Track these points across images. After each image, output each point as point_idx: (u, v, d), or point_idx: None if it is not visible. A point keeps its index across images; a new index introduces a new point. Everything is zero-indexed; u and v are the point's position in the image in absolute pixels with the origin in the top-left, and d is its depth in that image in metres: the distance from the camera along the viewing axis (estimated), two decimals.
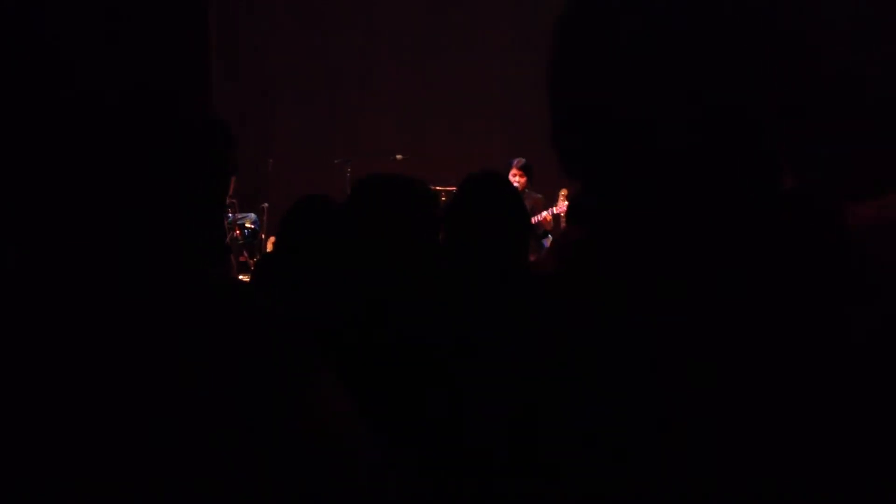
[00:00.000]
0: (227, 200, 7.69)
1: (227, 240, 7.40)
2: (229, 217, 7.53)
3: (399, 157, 8.13)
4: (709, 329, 0.72)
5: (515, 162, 6.60)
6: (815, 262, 0.73)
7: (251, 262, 7.34)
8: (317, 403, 1.00)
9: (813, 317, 0.71)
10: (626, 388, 0.74)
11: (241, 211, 7.94)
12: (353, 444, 1.01)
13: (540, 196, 6.65)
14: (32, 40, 0.94)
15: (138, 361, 0.90)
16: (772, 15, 0.77)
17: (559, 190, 6.67)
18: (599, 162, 0.79)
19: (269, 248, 7.74)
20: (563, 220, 6.08)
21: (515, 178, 6.53)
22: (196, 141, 0.99)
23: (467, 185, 2.02)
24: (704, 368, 0.71)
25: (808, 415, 0.69)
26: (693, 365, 0.72)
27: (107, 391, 0.89)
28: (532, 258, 3.65)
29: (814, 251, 0.74)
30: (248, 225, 7.85)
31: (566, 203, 6.32)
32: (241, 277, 6.37)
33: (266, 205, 8.21)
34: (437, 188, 6.72)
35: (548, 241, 6.26)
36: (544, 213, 6.38)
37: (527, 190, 6.60)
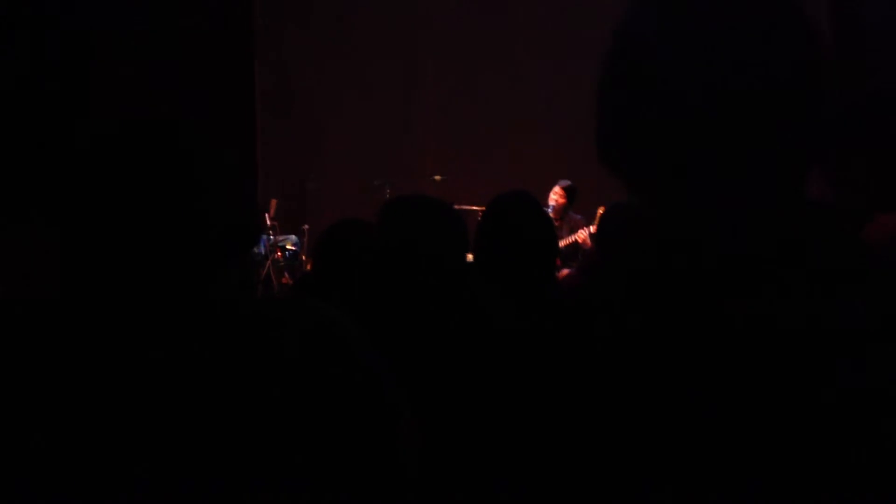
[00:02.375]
0: (269, 223, 7.80)
1: (269, 262, 7.49)
2: (270, 239, 7.62)
3: (437, 177, 8.18)
4: (739, 338, 0.73)
5: (561, 182, 6.62)
6: (840, 272, 0.74)
7: (292, 283, 7.42)
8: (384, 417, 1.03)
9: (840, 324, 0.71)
10: (661, 401, 0.75)
11: (283, 233, 8.03)
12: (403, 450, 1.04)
13: (580, 217, 6.65)
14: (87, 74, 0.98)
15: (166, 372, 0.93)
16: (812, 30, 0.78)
17: (598, 209, 6.66)
18: (643, 167, 0.80)
19: (310, 268, 7.81)
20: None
21: (555, 198, 6.54)
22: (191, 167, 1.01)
23: (495, 205, 2.04)
24: (735, 377, 0.72)
25: (831, 424, 0.69)
26: (727, 375, 0.72)
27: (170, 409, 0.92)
28: (564, 273, 3.64)
29: (839, 260, 0.74)
30: (289, 247, 7.94)
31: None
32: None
33: (307, 226, 8.30)
34: (476, 208, 6.75)
35: None
36: (581, 234, 6.37)
37: (568, 211, 6.61)
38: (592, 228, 6.38)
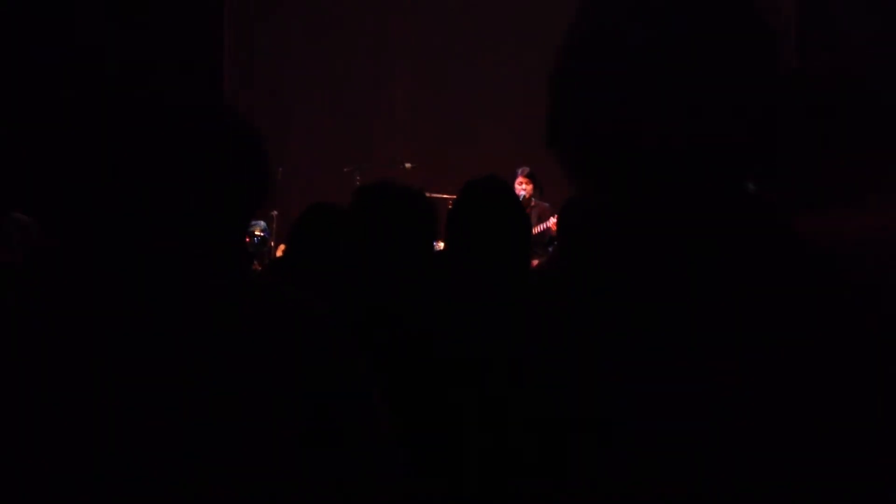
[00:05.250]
0: None
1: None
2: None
3: (408, 165, 8.16)
4: (687, 327, 0.75)
5: (521, 170, 6.63)
6: (778, 271, 0.76)
7: (260, 268, 7.36)
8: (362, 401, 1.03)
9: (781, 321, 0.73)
10: (624, 384, 0.76)
11: (252, 218, 7.94)
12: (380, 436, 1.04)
13: (547, 205, 6.67)
14: (66, 55, 0.98)
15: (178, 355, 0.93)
16: (760, 25, 0.80)
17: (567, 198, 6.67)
18: (596, 163, 0.81)
19: (279, 255, 7.76)
20: None
21: (522, 186, 6.55)
22: (224, 146, 1.02)
23: (467, 192, 2.04)
24: (681, 362, 0.74)
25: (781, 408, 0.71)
26: (675, 360, 0.74)
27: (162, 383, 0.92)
28: (535, 263, 3.66)
29: (776, 260, 0.76)
30: (257, 232, 7.87)
31: None
32: None
33: (275, 212, 8.24)
34: (445, 196, 6.75)
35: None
36: (551, 221, 6.40)
37: (533, 198, 6.62)
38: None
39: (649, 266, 0.79)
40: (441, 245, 2.19)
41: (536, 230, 6.34)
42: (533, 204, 6.60)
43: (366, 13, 9.75)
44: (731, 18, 0.78)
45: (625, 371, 0.76)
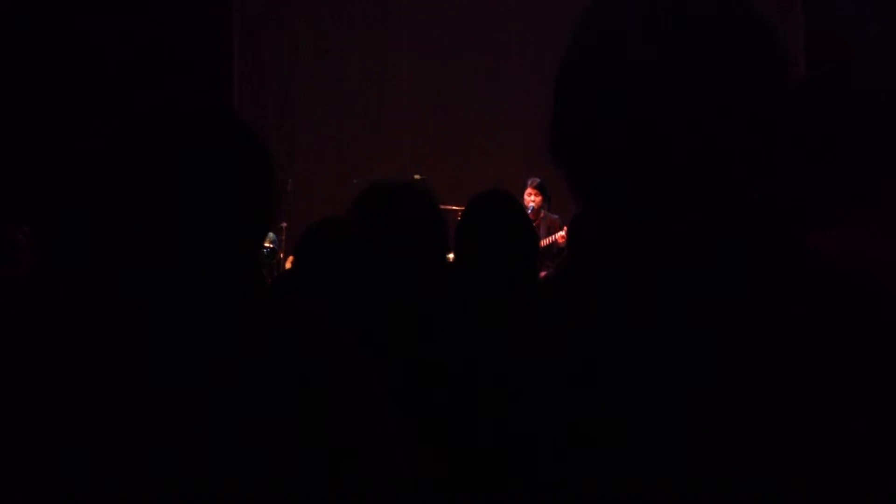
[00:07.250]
0: None
1: None
2: None
3: (417, 177, 8.17)
4: (693, 332, 0.75)
5: (531, 181, 6.62)
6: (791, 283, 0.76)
7: (269, 280, 7.37)
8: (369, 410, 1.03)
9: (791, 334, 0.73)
10: (628, 393, 0.77)
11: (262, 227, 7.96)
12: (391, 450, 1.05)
13: (556, 217, 6.66)
14: (81, 69, 0.98)
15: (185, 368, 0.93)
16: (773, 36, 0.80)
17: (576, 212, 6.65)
18: (598, 174, 0.82)
19: (288, 266, 7.78)
20: None
21: (531, 198, 6.54)
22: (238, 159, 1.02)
23: (475, 204, 2.05)
24: (687, 370, 0.74)
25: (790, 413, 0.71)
26: (680, 366, 0.75)
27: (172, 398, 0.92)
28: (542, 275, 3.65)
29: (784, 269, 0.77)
30: (266, 244, 7.90)
31: None
32: None
33: (285, 224, 8.27)
34: (454, 208, 6.76)
35: None
36: (559, 234, 6.39)
37: (543, 210, 6.61)
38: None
39: (649, 273, 0.79)
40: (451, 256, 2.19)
41: (545, 243, 6.33)
42: (542, 216, 6.58)
43: (370, 19, 9.79)
44: (735, 28, 0.78)
45: (625, 373, 0.77)
